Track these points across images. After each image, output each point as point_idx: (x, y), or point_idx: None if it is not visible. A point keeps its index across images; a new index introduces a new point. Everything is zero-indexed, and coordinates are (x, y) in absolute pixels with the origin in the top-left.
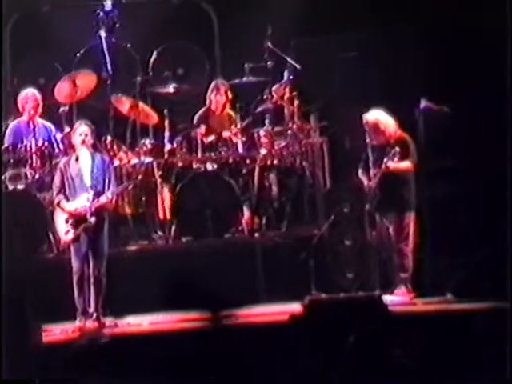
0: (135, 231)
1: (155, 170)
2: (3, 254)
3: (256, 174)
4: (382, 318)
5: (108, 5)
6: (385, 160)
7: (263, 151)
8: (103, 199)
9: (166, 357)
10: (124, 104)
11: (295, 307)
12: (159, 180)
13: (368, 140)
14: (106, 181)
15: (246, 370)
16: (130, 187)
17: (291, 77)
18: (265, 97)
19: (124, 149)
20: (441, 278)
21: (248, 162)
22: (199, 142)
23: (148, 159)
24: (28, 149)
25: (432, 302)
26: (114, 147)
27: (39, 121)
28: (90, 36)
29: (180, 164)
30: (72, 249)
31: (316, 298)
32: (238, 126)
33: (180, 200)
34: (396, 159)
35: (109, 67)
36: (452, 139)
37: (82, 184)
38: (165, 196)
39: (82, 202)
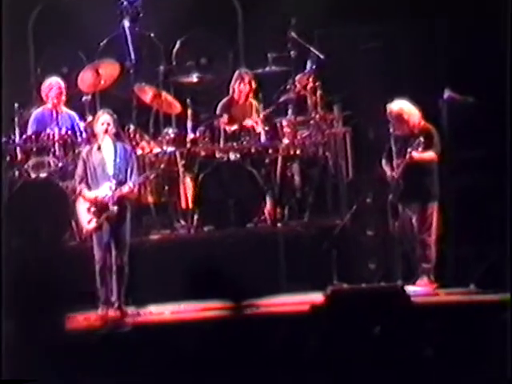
0: (157, 220)
1: (178, 160)
2: (25, 242)
3: (279, 163)
4: (404, 309)
5: None
6: (409, 150)
7: (286, 141)
8: (125, 188)
9: (187, 345)
10: (147, 93)
11: (317, 297)
12: (182, 169)
13: (391, 130)
14: (129, 170)
15: (266, 359)
16: (152, 177)
17: (314, 67)
18: (288, 87)
19: (146, 138)
20: (464, 268)
21: (270, 151)
22: (222, 131)
23: (171, 148)
24: (51, 137)
25: (455, 293)
26: (137, 136)
27: (63, 109)
28: (114, 25)
29: (203, 153)
30: (94, 238)
31: (338, 288)
32: (261, 116)
33: (202, 189)
34: (420, 149)
35: (132, 56)
36: (476, 129)
37: (105, 173)
38: (187, 185)
39: (105, 191)
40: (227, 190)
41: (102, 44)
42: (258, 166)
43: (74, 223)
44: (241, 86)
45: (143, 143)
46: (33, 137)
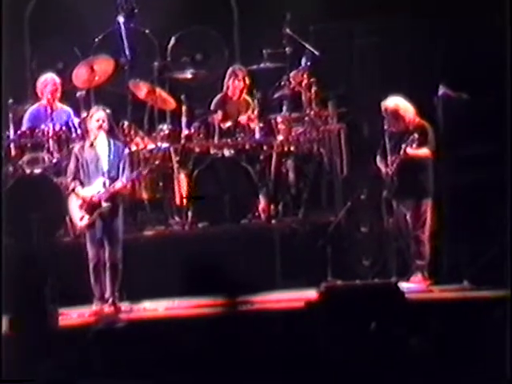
0: (152, 216)
1: (172, 156)
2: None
3: (273, 160)
4: (398, 306)
5: None
6: (403, 146)
7: (280, 137)
8: (118, 185)
9: (181, 342)
10: (142, 89)
11: (311, 294)
12: (176, 165)
13: (386, 127)
14: (121, 166)
15: (261, 356)
16: (145, 173)
17: (309, 63)
18: (282, 83)
19: (141, 134)
20: (458, 265)
21: (265, 148)
22: (216, 127)
23: (165, 144)
24: (46, 133)
25: (449, 290)
26: (132, 132)
27: (58, 105)
28: (109, 21)
29: (197, 149)
30: (87, 235)
31: (332, 284)
32: (255, 112)
33: (197, 186)
34: (414, 146)
35: (127, 52)
36: (470, 126)
37: (97, 170)
38: (182, 181)
39: (97, 187)
40: (222, 186)
41: (96, 40)
42: (253, 162)
43: (68, 219)
44: (235, 82)
45: (138, 139)
46: (27, 133)
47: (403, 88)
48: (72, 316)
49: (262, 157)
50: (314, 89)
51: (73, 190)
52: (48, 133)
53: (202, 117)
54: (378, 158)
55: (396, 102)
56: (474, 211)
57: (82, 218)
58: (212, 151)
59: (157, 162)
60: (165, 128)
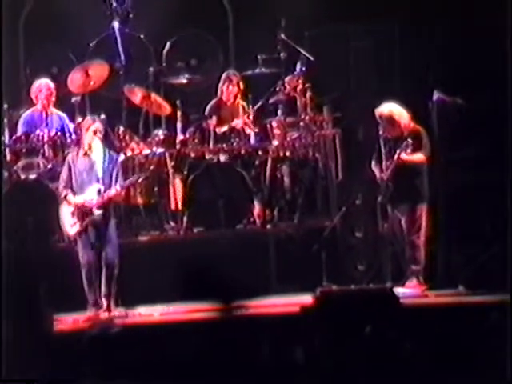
0: (147, 221)
1: (167, 161)
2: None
3: (268, 165)
4: (393, 311)
5: None
6: (397, 152)
7: (275, 142)
8: (112, 192)
9: (176, 347)
10: (136, 94)
11: (306, 299)
12: (171, 171)
13: (381, 132)
14: (114, 175)
15: (256, 361)
16: (140, 180)
17: (304, 68)
18: (277, 88)
19: (136, 139)
20: (453, 270)
21: (260, 153)
22: (211, 132)
23: (160, 150)
24: (41, 138)
25: (444, 295)
26: (127, 138)
27: (53, 110)
28: (104, 26)
29: (192, 155)
30: (79, 241)
31: (327, 289)
32: (250, 117)
33: (192, 191)
34: (409, 151)
35: (122, 57)
36: (465, 131)
37: (91, 177)
38: (177, 187)
39: (91, 195)
40: (217, 191)
41: (91, 45)
42: (248, 167)
43: (59, 226)
44: (229, 87)
45: (133, 144)
46: (22, 138)
47: (398, 93)
48: (67, 321)
49: (257, 162)
50: (308, 94)
51: (64, 197)
52: (43, 138)
53: (198, 122)
54: (373, 163)
55: (390, 108)
56: (469, 216)
57: (73, 225)
58: (207, 156)
59: (152, 168)
60: (160, 133)
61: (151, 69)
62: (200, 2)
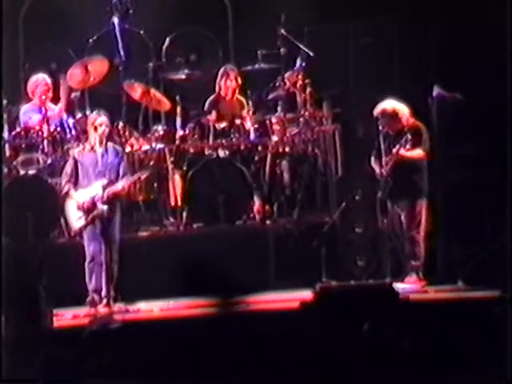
0: (147, 217)
1: (167, 156)
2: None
3: (268, 161)
4: (392, 306)
5: None
6: (397, 147)
7: (275, 138)
8: (117, 187)
9: (176, 342)
10: (136, 90)
11: (306, 294)
12: (171, 166)
13: (381, 128)
14: (121, 170)
15: (255, 356)
16: (144, 176)
17: (304, 64)
18: (277, 84)
19: (136, 135)
20: (452, 266)
21: (260, 148)
22: (211, 128)
23: (160, 145)
24: (40, 134)
25: (443, 290)
26: (126, 133)
27: (51, 106)
28: (103, 22)
29: (192, 150)
30: (84, 235)
31: (327, 285)
32: (250, 112)
33: (192, 186)
34: (408, 146)
35: (121, 53)
36: (465, 126)
37: (96, 172)
38: (176, 182)
39: (96, 190)
40: (216, 187)
41: (91, 41)
42: (248, 163)
43: (62, 220)
44: (227, 82)
45: (132, 140)
46: (22, 133)
47: (398, 89)
48: (67, 317)
49: (256, 157)
50: (308, 89)
51: (67, 192)
52: (42, 134)
53: (197, 117)
54: (373, 159)
55: (392, 104)
56: (469, 211)
57: (78, 219)
58: (207, 152)
59: (152, 163)
60: (159, 129)
61: (151, 64)
62: None
